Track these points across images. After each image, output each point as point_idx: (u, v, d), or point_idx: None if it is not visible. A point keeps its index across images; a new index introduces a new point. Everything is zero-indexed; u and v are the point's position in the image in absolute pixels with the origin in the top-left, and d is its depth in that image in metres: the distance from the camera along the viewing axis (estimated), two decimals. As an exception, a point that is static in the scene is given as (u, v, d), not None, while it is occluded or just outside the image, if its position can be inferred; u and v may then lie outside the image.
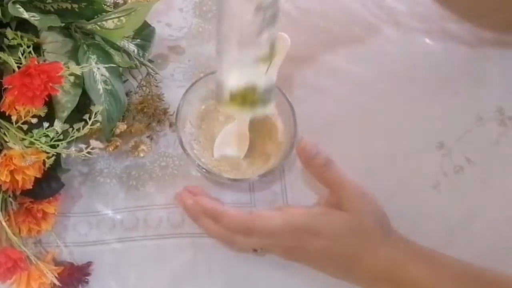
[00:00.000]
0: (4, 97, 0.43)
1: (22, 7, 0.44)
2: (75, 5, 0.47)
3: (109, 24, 0.48)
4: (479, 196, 0.51)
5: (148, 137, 0.55)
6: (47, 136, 0.43)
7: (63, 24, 0.46)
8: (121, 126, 0.51)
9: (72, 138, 0.43)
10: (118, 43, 0.51)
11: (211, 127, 0.53)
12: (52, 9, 0.46)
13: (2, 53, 0.43)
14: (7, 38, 0.44)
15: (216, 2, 0.37)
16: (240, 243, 0.46)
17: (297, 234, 0.44)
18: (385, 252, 0.43)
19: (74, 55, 0.47)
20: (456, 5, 0.53)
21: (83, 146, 0.44)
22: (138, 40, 0.54)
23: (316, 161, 0.44)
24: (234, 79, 0.39)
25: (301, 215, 0.44)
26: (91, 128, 0.44)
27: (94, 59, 0.47)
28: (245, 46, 0.37)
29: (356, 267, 0.44)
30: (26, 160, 0.42)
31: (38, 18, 0.44)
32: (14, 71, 0.42)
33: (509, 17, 0.50)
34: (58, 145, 0.43)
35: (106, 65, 0.47)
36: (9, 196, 0.46)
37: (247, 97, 0.40)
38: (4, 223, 0.45)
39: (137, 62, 0.53)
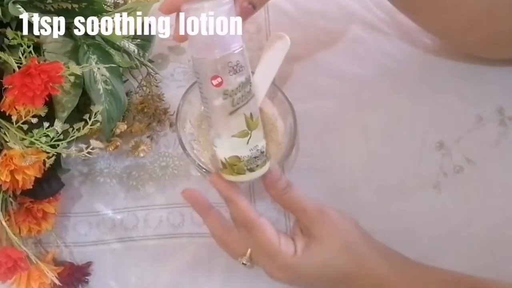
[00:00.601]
0: (4, 97, 0.43)
1: (22, 7, 0.44)
2: (75, 5, 0.47)
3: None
4: (479, 196, 0.51)
5: (148, 137, 0.55)
6: (47, 136, 0.43)
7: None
8: (121, 126, 0.51)
9: (72, 138, 0.44)
10: (118, 43, 0.51)
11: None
12: (52, 9, 0.46)
13: (2, 53, 0.43)
14: (7, 38, 0.44)
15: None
16: (233, 243, 0.45)
17: (292, 279, 0.43)
18: (372, 279, 0.42)
19: (74, 55, 0.47)
20: (428, 23, 0.53)
21: (83, 146, 0.44)
22: (138, 40, 0.54)
23: (277, 184, 0.44)
24: (220, 151, 0.42)
25: (289, 268, 0.42)
26: (91, 128, 0.44)
27: (94, 59, 0.48)
28: (217, 125, 0.41)
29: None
30: (26, 160, 0.42)
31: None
32: (14, 71, 0.42)
33: (481, 36, 0.50)
34: (58, 145, 0.43)
35: (106, 65, 0.47)
36: (9, 196, 0.46)
37: (234, 167, 0.41)
38: (4, 223, 0.45)
39: (137, 62, 0.53)
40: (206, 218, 0.46)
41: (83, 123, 0.44)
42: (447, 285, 0.42)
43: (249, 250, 0.44)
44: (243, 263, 0.44)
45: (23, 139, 0.44)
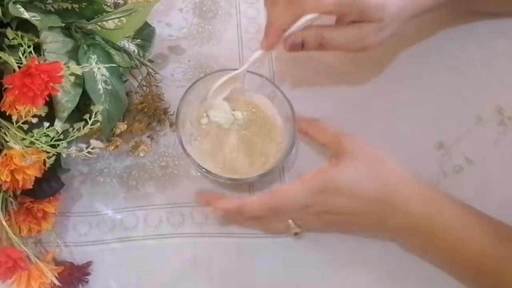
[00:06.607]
0: (4, 97, 0.43)
1: (23, 7, 0.44)
2: (75, 5, 0.47)
3: (110, 24, 0.48)
4: (479, 196, 0.51)
5: (148, 137, 0.55)
6: (47, 135, 0.43)
7: (64, 24, 0.46)
8: (121, 126, 0.51)
9: (72, 138, 0.43)
10: (118, 43, 0.51)
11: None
12: (52, 9, 0.46)
13: (2, 53, 0.43)
14: (8, 38, 0.44)
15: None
16: (274, 226, 0.47)
17: (318, 196, 0.44)
18: (415, 203, 0.44)
19: (74, 55, 0.47)
20: None
21: (83, 145, 0.45)
22: (138, 40, 0.54)
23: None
24: None
25: (315, 177, 0.45)
26: (91, 128, 0.44)
27: (94, 59, 0.48)
28: None
29: (386, 223, 0.45)
30: (26, 159, 0.42)
31: (39, 18, 0.44)
32: (14, 71, 0.42)
33: None
34: (58, 145, 0.43)
35: (107, 65, 0.47)
36: (10, 196, 0.46)
37: None
38: (4, 223, 0.45)
39: (137, 62, 0.53)
40: (241, 220, 0.49)
41: (83, 123, 0.44)
42: (489, 224, 0.44)
43: (289, 221, 0.46)
44: (295, 233, 0.47)
45: (23, 139, 0.43)
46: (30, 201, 0.47)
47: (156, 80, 0.56)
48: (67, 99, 0.45)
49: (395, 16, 0.45)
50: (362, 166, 0.45)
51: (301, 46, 0.46)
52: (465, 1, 0.54)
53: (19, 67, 0.42)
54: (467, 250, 0.43)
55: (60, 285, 0.46)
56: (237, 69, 0.51)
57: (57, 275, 0.46)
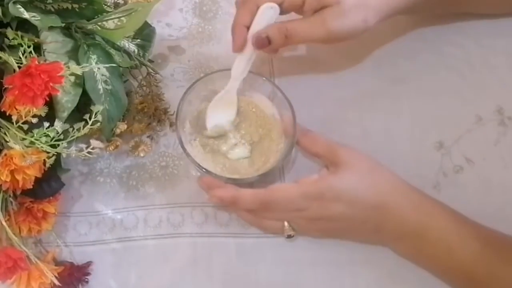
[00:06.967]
0: (4, 97, 0.43)
1: (23, 7, 0.44)
2: (75, 5, 0.47)
3: (110, 24, 0.48)
4: (479, 196, 0.51)
5: (148, 137, 0.55)
6: (47, 136, 0.43)
7: (64, 24, 0.46)
8: (121, 126, 0.51)
9: (72, 138, 0.43)
10: (118, 43, 0.51)
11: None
12: (52, 9, 0.46)
13: (2, 53, 0.43)
14: (8, 38, 0.44)
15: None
16: (269, 224, 0.48)
17: (313, 202, 0.45)
18: (410, 210, 0.45)
19: (74, 55, 0.47)
20: None
21: (83, 146, 0.45)
22: (139, 40, 0.54)
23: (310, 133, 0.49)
24: None
25: (314, 183, 0.46)
26: (91, 128, 0.44)
27: (94, 59, 0.48)
28: None
29: (382, 229, 0.45)
30: (26, 159, 0.42)
31: (39, 18, 0.44)
32: (14, 71, 0.42)
33: None
34: (58, 145, 0.43)
35: (107, 65, 0.47)
36: (10, 196, 0.46)
37: None
38: (4, 223, 0.45)
39: (138, 62, 0.53)
40: (236, 210, 0.49)
41: (83, 123, 0.44)
42: (479, 231, 0.45)
43: (285, 222, 0.47)
44: (288, 236, 0.47)
45: (23, 139, 0.43)
46: (30, 201, 0.47)
47: (156, 80, 0.56)
48: (67, 99, 0.45)
49: (356, 1, 0.46)
50: (360, 175, 0.46)
51: (268, 41, 0.47)
52: (441, 3, 0.54)
53: (19, 67, 0.42)
54: (459, 257, 0.43)
55: (60, 285, 0.46)
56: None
57: (57, 275, 0.46)
